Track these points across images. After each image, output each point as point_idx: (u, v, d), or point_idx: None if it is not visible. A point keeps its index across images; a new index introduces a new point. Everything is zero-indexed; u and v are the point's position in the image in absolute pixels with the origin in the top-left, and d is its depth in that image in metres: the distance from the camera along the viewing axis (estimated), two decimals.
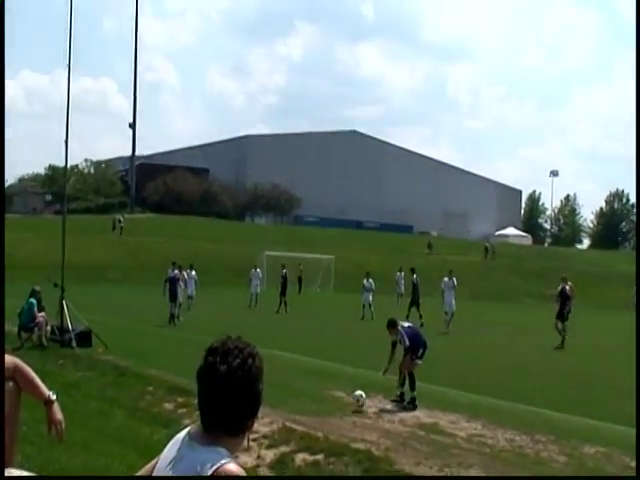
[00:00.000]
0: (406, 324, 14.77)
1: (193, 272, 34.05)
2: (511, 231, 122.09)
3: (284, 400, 13.12)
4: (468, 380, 17.58)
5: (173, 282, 29.59)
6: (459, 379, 17.53)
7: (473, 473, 9.59)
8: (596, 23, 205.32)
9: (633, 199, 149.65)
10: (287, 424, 11.56)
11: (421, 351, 14.13)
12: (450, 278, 31.46)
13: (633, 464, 10.46)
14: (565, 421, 13.25)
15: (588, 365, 22.40)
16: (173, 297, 29.18)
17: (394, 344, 14.25)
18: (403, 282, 44.93)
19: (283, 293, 37.52)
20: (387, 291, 43.73)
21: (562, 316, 27.23)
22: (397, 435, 11.54)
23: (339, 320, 34.47)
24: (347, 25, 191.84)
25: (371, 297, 36.25)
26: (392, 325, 14.17)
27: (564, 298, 27.66)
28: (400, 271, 45.94)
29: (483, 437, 11.68)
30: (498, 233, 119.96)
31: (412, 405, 13.62)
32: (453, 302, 30.73)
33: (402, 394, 13.97)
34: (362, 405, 13.38)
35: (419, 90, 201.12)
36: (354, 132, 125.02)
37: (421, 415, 13.08)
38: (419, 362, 14.13)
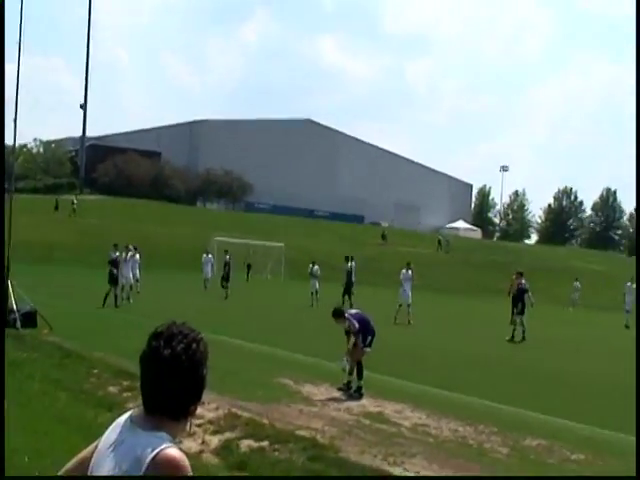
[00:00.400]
0: (353, 311, 14.79)
1: (137, 255, 33.56)
2: (461, 224, 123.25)
3: (231, 386, 13.09)
4: (417, 370, 17.66)
5: (115, 264, 29.18)
6: (407, 369, 17.60)
7: (416, 462, 9.66)
8: (552, 18, 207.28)
9: (581, 196, 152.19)
10: (233, 410, 11.54)
11: (370, 339, 14.16)
12: (408, 270, 31.11)
13: (574, 457, 10.63)
14: (509, 413, 13.40)
15: (538, 358, 22.62)
16: (114, 280, 28.77)
17: (347, 333, 14.27)
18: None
19: (226, 279, 37.03)
20: (337, 279, 43.85)
21: (517, 309, 27.42)
22: (343, 423, 11.57)
23: (288, 307, 34.48)
24: (307, 15, 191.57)
25: (317, 284, 36.34)
26: (338, 314, 14.14)
27: (521, 293, 27.97)
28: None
29: (427, 427, 11.76)
30: (448, 226, 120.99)
31: (358, 394, 13.66)
32: (410, 294, 30.29)
33: (349, 382, 14.01)
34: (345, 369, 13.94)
35: (377, 82, 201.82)
36: (308, 121, 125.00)
37: (367, 404, 13.13)
38: (368, 350, 14.17)
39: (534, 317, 30.33)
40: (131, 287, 31.01)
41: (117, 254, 29.77)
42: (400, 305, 30.10)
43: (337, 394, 13.77)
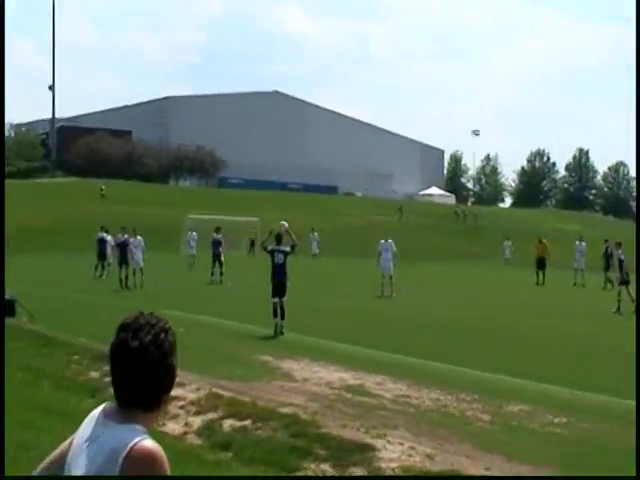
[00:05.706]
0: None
1: (139, 237, 31.54)
2: (435, 190, 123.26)
3: (211, 366, 13.13)
4: (398, 341, 17.71)
5: (124, 247, 30.35)
6: (388, 340, 17.65)
7: (399, 434, 9.72)
8: None
9: (554, 158, 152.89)
10: (214, 390, 11.53)
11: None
12: (387, 240, 29.95)
13: (556, 420, 10.73)
14: (489, 380, 13.49)
15: (519, 323, 22.47)
16: (125, 261, 30.02)
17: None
18: (316, 242, 51.24)
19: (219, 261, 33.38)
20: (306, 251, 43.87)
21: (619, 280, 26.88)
22: (324, 398, 11.61)
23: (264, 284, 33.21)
24: None
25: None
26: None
27: (620, 262, 27.28)
28: (312, 231, 51.51)
29: (409, 397, 11.84)
30: (422, 193, 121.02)
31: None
32: (391, 265, 29.15)
33: None
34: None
35: (342, 49, 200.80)
36: (276, 92, 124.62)
37: (347, 377, 13.18)
38: None
39: (508, 280, 30.26)
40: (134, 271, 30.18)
41: (125, 237, 31.00)
42: (383, 276, 29.08)
43: (317, 368, 13.84)
